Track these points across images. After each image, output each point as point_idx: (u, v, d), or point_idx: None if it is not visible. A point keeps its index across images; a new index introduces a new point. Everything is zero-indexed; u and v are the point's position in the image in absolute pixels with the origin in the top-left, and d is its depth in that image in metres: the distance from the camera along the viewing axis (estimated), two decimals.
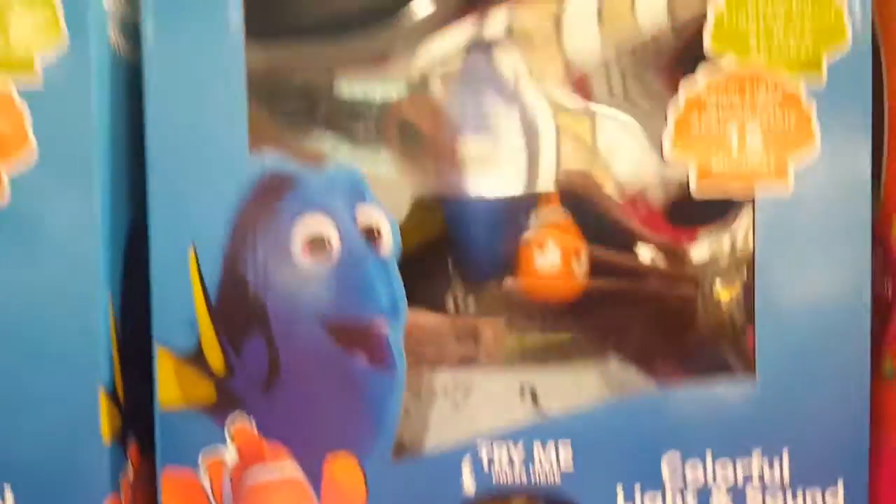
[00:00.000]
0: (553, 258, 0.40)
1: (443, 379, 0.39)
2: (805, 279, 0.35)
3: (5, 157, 0.34)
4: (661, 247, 0.44)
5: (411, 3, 0.41)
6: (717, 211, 0.41)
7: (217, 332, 0.35)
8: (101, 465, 0.35)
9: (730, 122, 0.35)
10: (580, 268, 0.40)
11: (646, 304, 0.43)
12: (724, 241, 0.41)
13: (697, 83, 0.35)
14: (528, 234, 0.40)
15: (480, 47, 0.42)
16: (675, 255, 0.44)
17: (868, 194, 0.35)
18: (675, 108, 0.36)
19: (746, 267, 0.37)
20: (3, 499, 0.35)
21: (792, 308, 0.35)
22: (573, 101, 0.42)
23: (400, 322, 0.35)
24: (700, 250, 0.43)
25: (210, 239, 0.35)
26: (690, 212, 0.43)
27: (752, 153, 0.35)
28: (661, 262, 0.44)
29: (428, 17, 0.42)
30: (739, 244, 0.40)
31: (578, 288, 0.40)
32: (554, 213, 0.41)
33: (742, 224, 0.40)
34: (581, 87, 0.43)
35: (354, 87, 0.43)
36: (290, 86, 0.43)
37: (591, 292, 0.41)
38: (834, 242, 0.35)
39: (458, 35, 0.42)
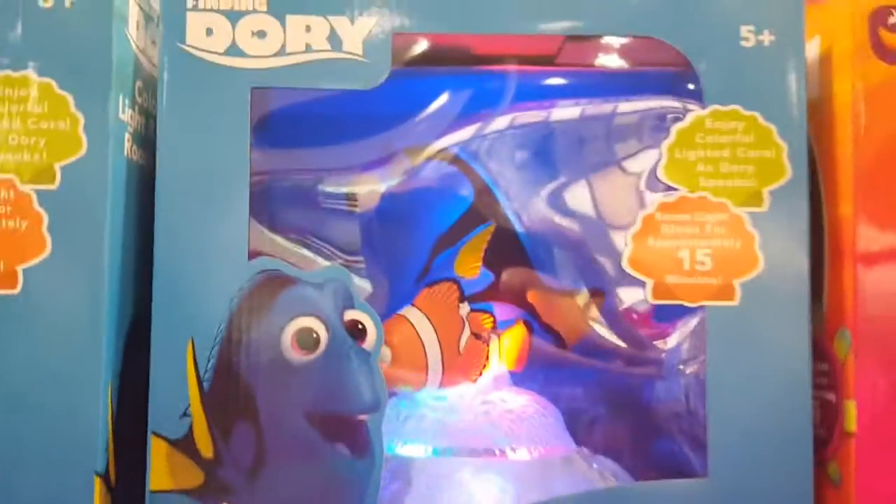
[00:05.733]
0: None
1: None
2: (752, 386, 0.38)
3: (20, 252, 0.37)
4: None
5: None
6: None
7: (208, 420, 0.37)
8: None
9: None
10: None
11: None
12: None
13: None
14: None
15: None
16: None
17: (807, 308, 0.38)
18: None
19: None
20: None
21: (741, 411, 0.38)
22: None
23: (380, 414, 0.38)
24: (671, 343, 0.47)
25: (207, 333, 0.37)
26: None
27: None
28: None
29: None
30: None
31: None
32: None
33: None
34: None
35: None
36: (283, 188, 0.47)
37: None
38: (777, 353, 0.38)
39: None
